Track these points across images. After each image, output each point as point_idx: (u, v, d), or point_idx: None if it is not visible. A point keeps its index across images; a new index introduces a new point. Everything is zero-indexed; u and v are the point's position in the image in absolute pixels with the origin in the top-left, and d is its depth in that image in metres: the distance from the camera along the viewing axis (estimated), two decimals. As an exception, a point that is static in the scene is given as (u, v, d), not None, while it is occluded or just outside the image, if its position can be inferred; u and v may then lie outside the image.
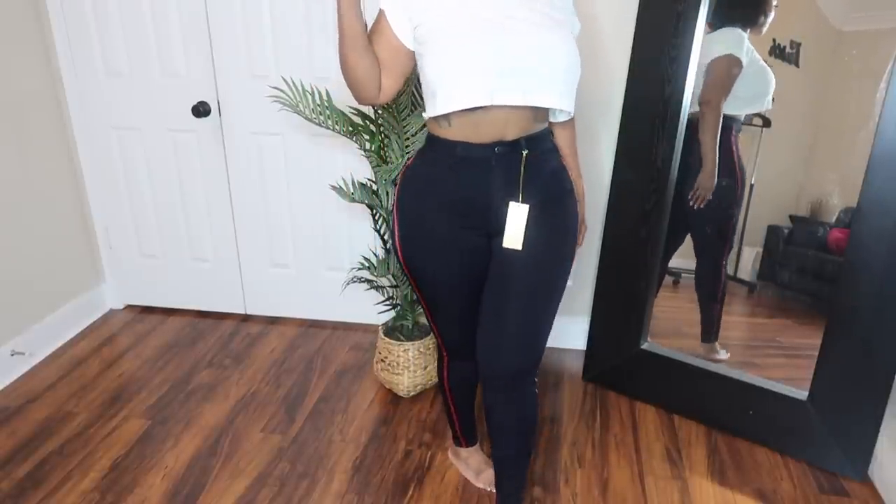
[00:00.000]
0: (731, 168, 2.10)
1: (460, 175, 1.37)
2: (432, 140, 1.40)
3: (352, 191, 2.03)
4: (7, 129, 2.36)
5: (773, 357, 2.21)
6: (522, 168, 1.34)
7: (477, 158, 1.34)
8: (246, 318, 2.85)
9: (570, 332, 2.54)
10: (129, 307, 2.95)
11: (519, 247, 1.37)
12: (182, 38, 2.45)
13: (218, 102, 2.52)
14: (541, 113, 1.36)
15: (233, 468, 1.98)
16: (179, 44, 2.46)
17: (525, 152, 1.34)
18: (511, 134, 1.33)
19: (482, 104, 1.28)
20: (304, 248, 2.71)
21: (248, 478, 1.94)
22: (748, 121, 2.11)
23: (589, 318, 2.40)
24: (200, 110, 2.50)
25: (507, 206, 1.35)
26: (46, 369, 2.48)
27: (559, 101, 1.32)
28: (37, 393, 2.34)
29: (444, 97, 1.29)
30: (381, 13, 1.34)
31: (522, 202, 1.35)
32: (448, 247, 1.44)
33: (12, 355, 2.41)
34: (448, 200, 1.39)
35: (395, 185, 1.51)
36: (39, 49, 2.48)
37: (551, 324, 1.48)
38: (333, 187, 2.04)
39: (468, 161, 1.35)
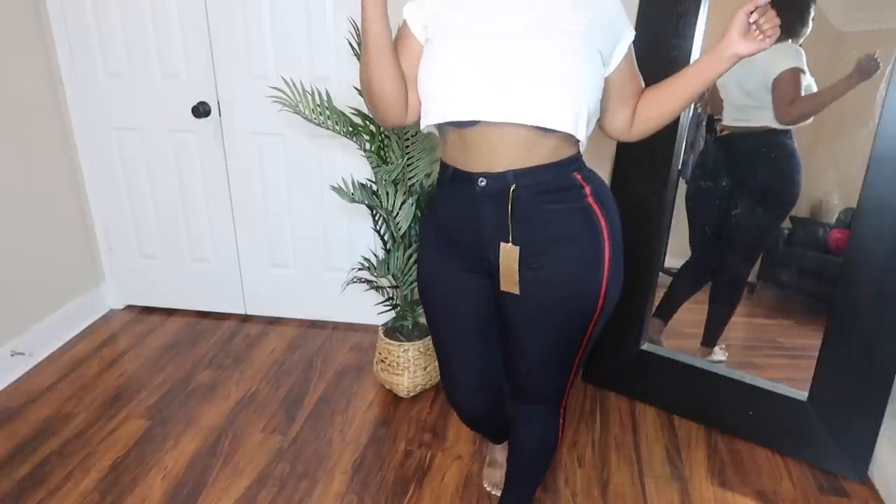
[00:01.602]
0: (795, 178, 2.09)
1: (454, 203, 1.29)
2: (441, 160, 1.33)
3: (352, 191, 2.03)
4: (7, 129, 2.36)
5: (773, 357, 2.21)
6: (510, 205, 1.20)
7: (464, 188, 1.24)
8: (246, 319, 2.85)
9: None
10: (129, 307, 2.95)
11: (516, 291, 1.26)
12: (182, 38, 2.45)
13: (218, 103, 2.52)
14: (545, 142, 1.18)
15: (233, 468, 1.98)
16: (179, 44, 2.46)
17: (513, 187, 1.19)
18: (500, 164, 1.19)
19: (460, 118, 1.18)
20: (304, 248, 2.71)
21: (248, 478, 1.94)
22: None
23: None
24: (200, 111, 2.50)
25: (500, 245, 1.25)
26: (46, 369, 2.48)
27: (548, 120, 1.15)
28: (37, 393, 2.34)
29: (426, 109, 1.23)
30: (403, 24, 1.28)
31: (514, 243, 1.22)
32: (448, 280, 1.36)
33: (12, 355, 2.41)
34: (447, 229, 1.32)
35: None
36: (39, 49, 2.48)
37: (570, 367, 1.38)
38: (333, 187, 2.03)
39: (457, 189, 1.26)
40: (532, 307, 1.28)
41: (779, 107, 2.01)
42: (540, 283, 1.25)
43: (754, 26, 1.19)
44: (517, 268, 1.23)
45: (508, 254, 1.23)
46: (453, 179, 1.26)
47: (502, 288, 1.28)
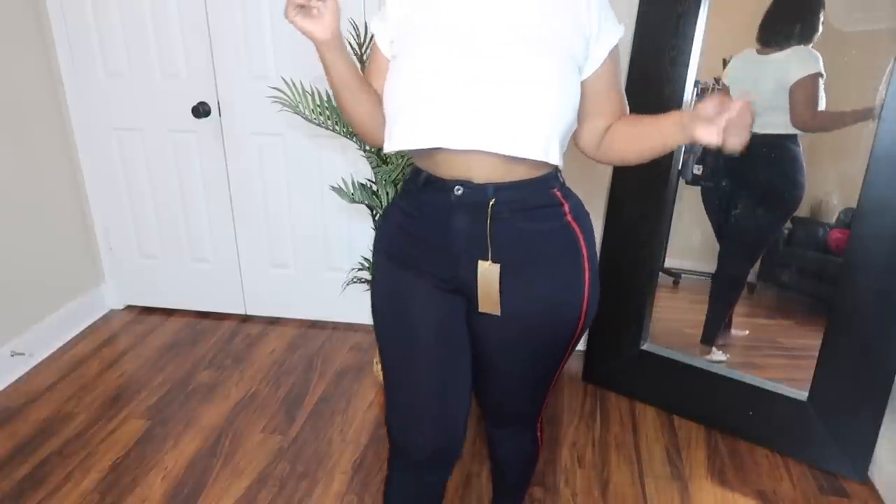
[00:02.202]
0: (799, 180, 2.09)
1: (423, 211, 1.18)
2: (414, 165, 1.22)
3: (352, 191, 2.03)
4: (7, 129, 2.36)
5: (773, 357, 2.21)
6: (489, 220, 1.11)
7: (437, 195, 1.14)
8: (246, 319, 2.85)
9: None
10: (129, 307, 2.95)
11: (497, 311, 1.16)
12: (182, 38, 2.45)
13: (218, 103, 2.52)
14: (520, 161, 1.09)
15: (233, 469, 1.98)
16: (179, 44, 2.46)
17: (492, 202, 1.10)
18: (478, 177, 1.10)
19: (426, 146, 1.09)
20: (304, 248, 2.71)
21: (248, 478, 1.94)
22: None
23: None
24: (200, 111, 2.50)
25: (475, 262, 1.14)
26: (46, 370, 2.48)
27: (515, 148, 1.06)
28: (37, 393, 2.34)
29: (389, 132, 1.13)
30: (373, 41, 1.20)
31: (493, 261, 1.13)
32: (408, 296, 1.22)
33: (12, 356, 2.41)
34: (411, 240, 1.20)
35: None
36: (39, 49, 2.48)
37: (548, 386, 1.32)
38: (333, 187, 2.04)
39: (428, 196, 1.16)
40: (512, 329, 1.19)
41: (800, 113, 1.99)
42: (519, 305, 1.16)
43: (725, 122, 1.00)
44: (498, 287, 1.14)
45: (488, 273, 1.14)
46: (426, 185, 1.16)
47: (481, 309, 1.18)
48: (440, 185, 1.13)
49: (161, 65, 2.50)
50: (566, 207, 1.17)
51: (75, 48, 2.53)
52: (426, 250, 1.18)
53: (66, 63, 2.55)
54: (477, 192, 1.10)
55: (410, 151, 1.16)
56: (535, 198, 1.14)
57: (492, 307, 1.16)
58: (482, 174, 1.10)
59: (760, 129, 2.07)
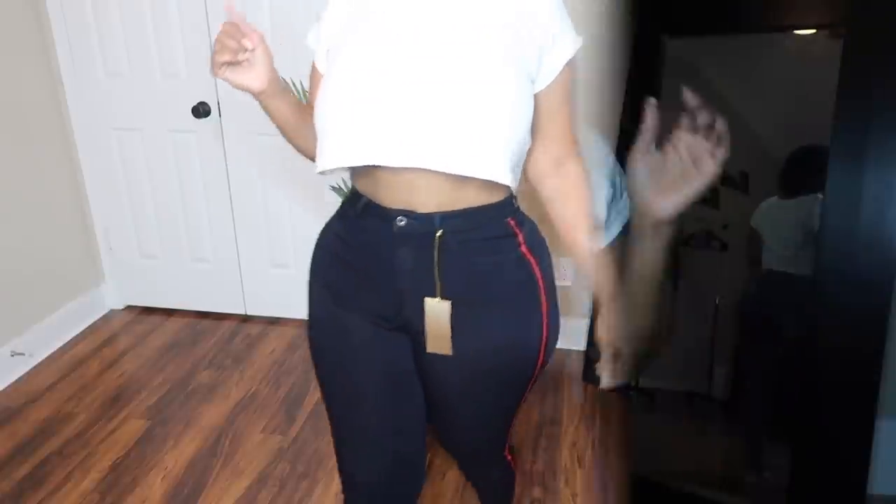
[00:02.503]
0: None
1: (361, 239, 1.07)
2: (353, 187, 1.10)
3: (352, 191, 2.03)
4: (7, 129, 2.36)
5: (773, 357, 2.20)
6: (436, 253, 1.00)
7: (377, 225, 1.03)
8: (246, 319, 2.85)
9: (570, 332, 2.54)
10: (130, 308, 2.95)
11: (448, 351, 1.05)
12: (182, 38, 2.45)
13: (218, 103, 2.52)
14: (471, 182, 0.97)
15: (233, 469, 1.98)
16: (179, 44, 2.46)
17: (439, 232, 0.99)
18: (423, 205, 0.99)
19: (359, 164, 0.98)
20: (304, 248, 2.67)
21: (248, 478, 1.94)
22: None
23: (589, 319, 2.39)
24: (200, 111, 2.50)
25: (421, 300, 1.03)
26: (46, 370, 2.48)
27: (472, 166, 0.94)
28: (37, 393, 2.34)
29: (319, 148, 1.02)
30: (313, 62, 1.12)
31: (442, 297, 1.02)
32: (347, 334, 1.12)
33: (12, 356, 2.41)
34: (349, 272, 1.10)
35: None
36: (39, 50, 2.48)
37: (510, 421, 1.25)
38: (333, 187, 2.04)
39: (368, 224, 1.05)
40: (465, 370, 1.10)
41: None
42: (472, 344, 1.06)
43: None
44: (449, 326, 1.03)
45: (437, 310, 1.02)
46: (365, 212, 1.05)
47: (429, 349, 1.06)
48: (381, 214, 1.02)
49: (161, 65, 2.50)
50: (520, 238, 1.06)
51: (75, 48, 2.53)
52: (365, 280, 1.08)
53: (66, 63, 2.55)
54: (422, 222, 0.99)
55: (345, 170, 1.04)
56: (487, 229, 1.03)
57: (442, 347, 1.06)
58: (427, 201, 0.99)
59: None
